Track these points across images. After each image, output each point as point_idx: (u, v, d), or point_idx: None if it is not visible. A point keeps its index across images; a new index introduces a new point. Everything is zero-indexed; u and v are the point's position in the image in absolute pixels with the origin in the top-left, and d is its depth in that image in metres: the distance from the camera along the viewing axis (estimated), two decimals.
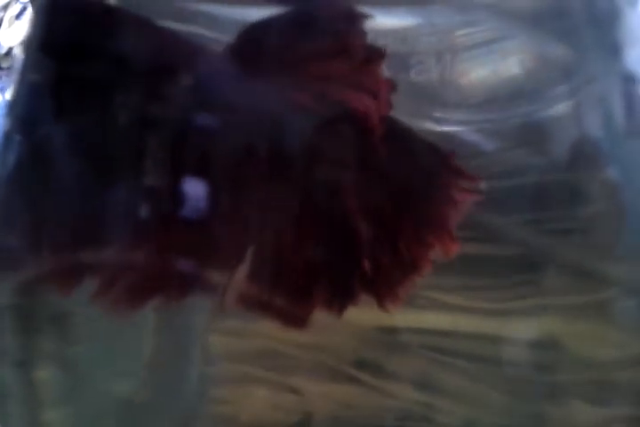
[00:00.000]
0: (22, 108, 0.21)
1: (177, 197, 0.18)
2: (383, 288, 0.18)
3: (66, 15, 0.20)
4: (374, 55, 0.19)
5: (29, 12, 0.32)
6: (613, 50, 0.20)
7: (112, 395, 0.20)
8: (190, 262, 0.19)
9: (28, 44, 0.21)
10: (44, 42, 0.20)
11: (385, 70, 0.19)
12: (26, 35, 0.20)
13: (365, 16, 0.19)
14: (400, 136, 0.19)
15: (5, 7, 0.33)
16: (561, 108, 0.19)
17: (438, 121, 0.19)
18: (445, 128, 0.19)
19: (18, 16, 0.33)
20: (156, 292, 0.19)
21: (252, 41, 0.19)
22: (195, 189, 0.18)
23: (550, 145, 0.19)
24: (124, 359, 0.20)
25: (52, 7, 0.20)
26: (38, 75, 0.21)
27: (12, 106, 0.21)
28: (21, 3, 0.32)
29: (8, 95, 0.32)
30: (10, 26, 0.33)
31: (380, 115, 0.18)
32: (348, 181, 0.18)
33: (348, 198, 0.18)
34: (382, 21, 0.19)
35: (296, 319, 0.18)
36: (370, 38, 0.19)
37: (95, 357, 0.20)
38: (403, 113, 0.19)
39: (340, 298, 0.18)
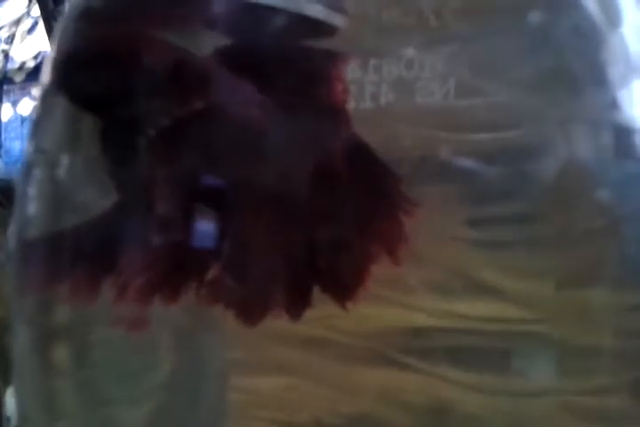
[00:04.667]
0: (43, 142, 0.21)
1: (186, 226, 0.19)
2: (337, 288, 0.19)
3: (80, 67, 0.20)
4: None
5: (41, 26, 0.32)
6: (599, 71, 0.21)
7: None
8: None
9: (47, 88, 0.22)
10: (63, 86, 0.21)
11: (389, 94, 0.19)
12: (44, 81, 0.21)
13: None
14: (360, 153, 0.19)
15: (17, 22, 0.33)
16: (550, 131, 0.20)
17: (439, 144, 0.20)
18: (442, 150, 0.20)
19: (30, 31, 0.33)
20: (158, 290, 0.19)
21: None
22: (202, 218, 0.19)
23: (539, 167, 0.20)
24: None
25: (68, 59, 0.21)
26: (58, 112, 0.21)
27: (34, 138, 0.22)
28: (32, 17, 0.32)
29: (20, 109, 0.32)
30: (22, 41, 0.33)
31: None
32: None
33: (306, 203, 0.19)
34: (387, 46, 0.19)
35: (251, 316, 0.19)
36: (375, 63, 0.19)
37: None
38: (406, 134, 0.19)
39: (299, 301, 0.19)
